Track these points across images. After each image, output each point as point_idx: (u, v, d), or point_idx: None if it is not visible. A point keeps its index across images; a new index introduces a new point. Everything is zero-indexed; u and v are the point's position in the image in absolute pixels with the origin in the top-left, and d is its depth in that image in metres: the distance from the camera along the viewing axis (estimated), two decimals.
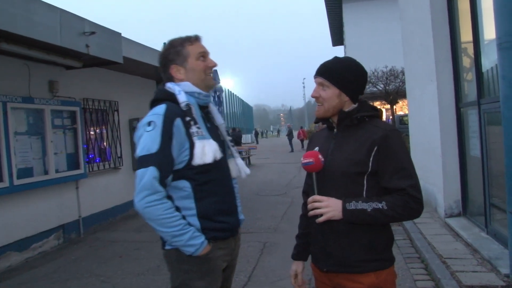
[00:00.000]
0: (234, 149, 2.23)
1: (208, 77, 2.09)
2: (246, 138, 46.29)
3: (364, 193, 1.86)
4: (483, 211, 5.44)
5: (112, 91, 8.45)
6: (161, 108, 1.93)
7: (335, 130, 2.01)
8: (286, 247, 5.49)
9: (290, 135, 31.23)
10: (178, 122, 1.91)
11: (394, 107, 21.46)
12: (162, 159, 1.83)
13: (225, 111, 42.86)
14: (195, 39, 2.09)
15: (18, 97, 5.85)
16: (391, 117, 21.18)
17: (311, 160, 1.91)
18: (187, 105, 1.97)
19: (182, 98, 1.98)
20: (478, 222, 5.72)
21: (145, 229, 7.15)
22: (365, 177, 1.85)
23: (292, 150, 28.39)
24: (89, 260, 5.82)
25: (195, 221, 1.94)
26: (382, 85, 19.21)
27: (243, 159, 19.20)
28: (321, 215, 1.85)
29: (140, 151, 1.86)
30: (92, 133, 7.98)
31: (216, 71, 22.85)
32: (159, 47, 8.12)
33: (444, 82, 6.35)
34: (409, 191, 1.79)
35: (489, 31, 5.12)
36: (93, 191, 7.69)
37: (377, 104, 27.17)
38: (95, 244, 6.63)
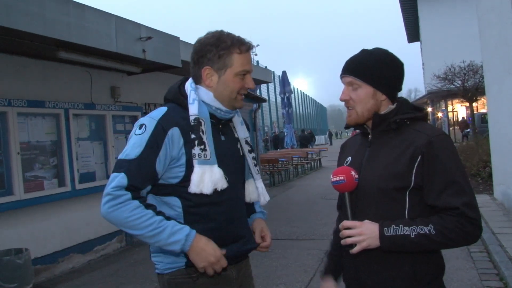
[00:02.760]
0: (255, 169, 1.92)
1: (238, 97, 1.79)
2: (320, 139, 45.74)
3: (406, 212, 1.55)
4: None
5: None
6: (159, 112, 1.71)
7: (369, 136, 1.70)
8: None
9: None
10: (174, 132, 1.67)
11: (475, 104, 19.98)
12: (136, 168, 1.62)
13: (298, 113, 42.71)
14: (246, 49, 1.76)
15: (80, 104, 6.04)
16: (462, 116, 19.76)
17: (341, 178, 1.61)
18: (196, 119, 1.70)
19: (193, 110, 1.71)
20: None
21: None
22: (407, 193, 1.54)
23: None
24: (147, 264, 5.84)
25: None
26: (460, 82, 17.90)
27: (313, 161, 18.90)
28: (355, 244, 1.55)
29: (121, 153, 1.68)
30: None
31: (285, 72, 22.61)
32: None
33: None
34: (463, 210, 1.46)
35: None
36: None
37: (455, 102, 25.53)
38: None
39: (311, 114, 53.88)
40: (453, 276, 4.59)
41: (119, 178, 1.60)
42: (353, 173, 1.62)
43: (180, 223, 1.65)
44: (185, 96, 1.76)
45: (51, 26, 4.50)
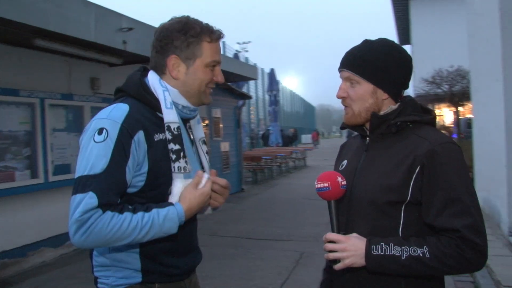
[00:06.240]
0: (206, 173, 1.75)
1: (207, 91, 1.61)
2: (307, 138, 45.66)
3: (400, 230, 1.38)
4: None
5: None
6: (121, 112, 1.45)
7: (367, 139, 1.52)
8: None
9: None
10: (140, 136, 1.43)
11: (462, 109, 20.05)
12: (106, 182, 1.35)
13: (286, 111, 42.64)
14: (217, 37, 1.58)
15: (57, 94, 5.86)
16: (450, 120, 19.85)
17: (326, 185, 1.43)
18: (178, 128, 1.50)
19: (172, 117, 1.50)
20: None
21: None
22: (403, 208, 1.37)
23: None
24: None
25: (135, 260, 1.50)
26: (447, 86, 17.96)
27: (298, 160, 18.84)
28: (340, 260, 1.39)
29: (80, 168, 1.37)
30: None
31: (273, 70, 22.46)
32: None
33: None
34: (464, 234, 1.28)
35: None
36: None
37: (443, 106, 25.63)
38: None
39: (300, 112, 53.87)
40: None
41: (86, 199, 1.31)
42: (339, 179, 1.45)
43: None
44: (148, 92, 1.53)
45: (27, 12, 4.32)
